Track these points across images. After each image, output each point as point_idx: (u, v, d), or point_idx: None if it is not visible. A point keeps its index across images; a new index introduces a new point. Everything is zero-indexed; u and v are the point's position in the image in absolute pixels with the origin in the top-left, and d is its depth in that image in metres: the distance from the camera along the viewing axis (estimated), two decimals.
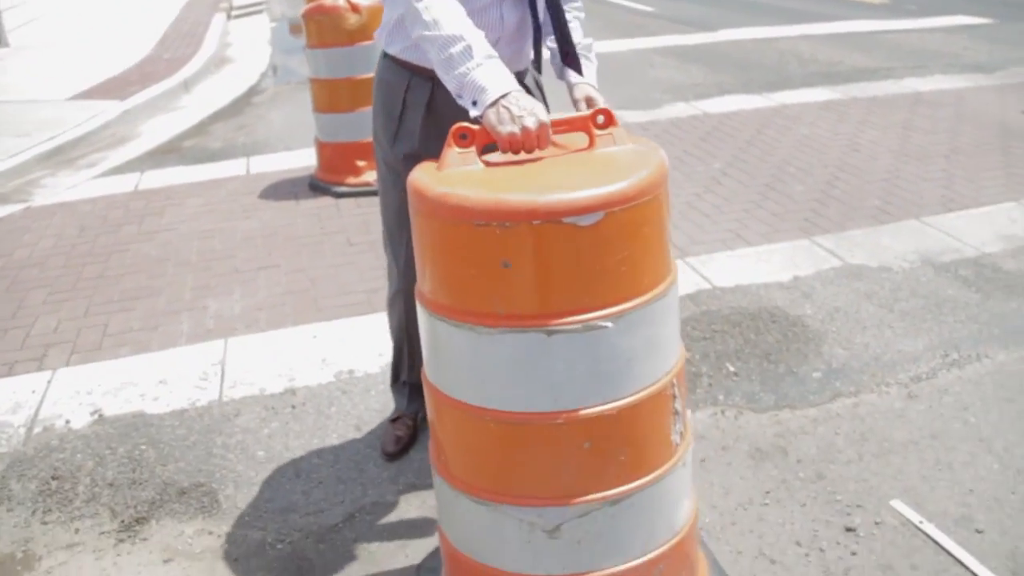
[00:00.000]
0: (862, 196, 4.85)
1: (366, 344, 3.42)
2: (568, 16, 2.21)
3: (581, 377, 1.64)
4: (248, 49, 10.52)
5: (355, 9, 4.83)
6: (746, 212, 4.64)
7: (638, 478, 1.74)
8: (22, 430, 3.03)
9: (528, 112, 1.69)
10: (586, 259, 1.57)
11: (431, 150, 1.97)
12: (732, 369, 3.21)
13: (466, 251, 1.60)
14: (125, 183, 5.60)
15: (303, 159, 5.73)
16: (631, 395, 1.68)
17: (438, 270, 1.68)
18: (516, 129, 1.68)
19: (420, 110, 2.20)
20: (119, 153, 6.39)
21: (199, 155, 6.16)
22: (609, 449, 1.70)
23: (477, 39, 1.80)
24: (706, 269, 3.98)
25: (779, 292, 3.75)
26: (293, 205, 4.99)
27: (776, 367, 3.21)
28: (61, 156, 6.35)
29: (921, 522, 2.44)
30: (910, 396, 3.03)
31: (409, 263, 2.26)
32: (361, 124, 4.90)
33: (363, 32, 4.85)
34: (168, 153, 6.30)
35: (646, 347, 1.68)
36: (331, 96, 5.01)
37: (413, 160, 2.05)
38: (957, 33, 10.14)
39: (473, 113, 1.76)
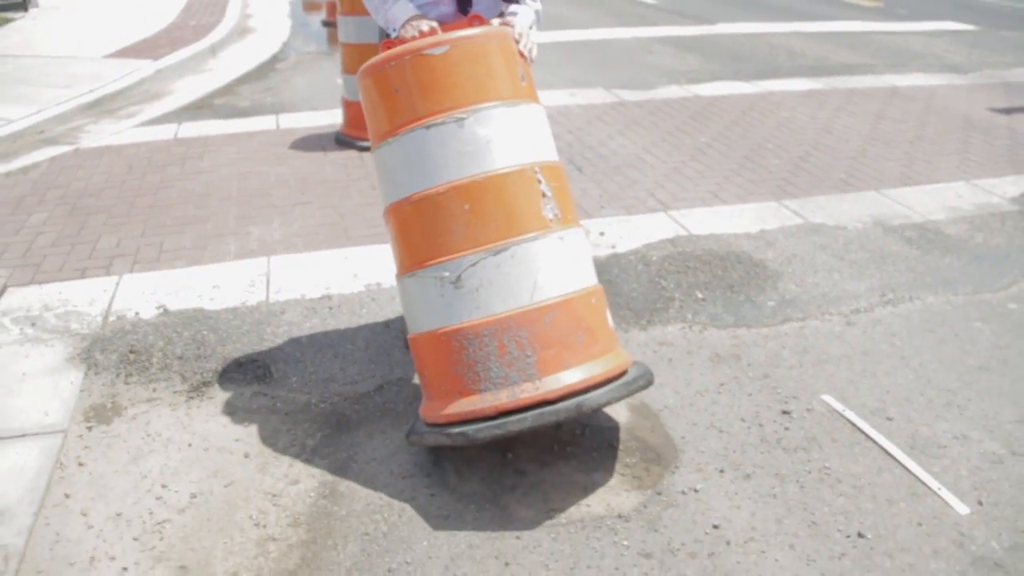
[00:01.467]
0: (830, 170, 5.44)
1: (391, 265, 3.97)
2: None
3: (454, 157, 2.43)
4: (268, 21, 11.04)
5: None
6: (725, 178, 5.22)
7: (512, 236, 2.44)
8: (99, 318, 3.58)
9: (419, 23, 2.64)
10: (445, 75, 2.42)
11: None
12: (700, 296, 3.79)
13: (376, 91, 2.51)
14: (165, 132, 6.13)
15: (328, 118, 6.29)
16: (495, 170, 2.43)
17: (369, 116, 2.60)
18: (415, 32, 2.62)
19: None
20: (155, 107, 6.91)
21: (230, 111, 6.70)
22: (485, 210, 2.44)
23: None
24: (685, 220, 4.56)
25: (746, 241, 4.33)
26: (321, 156, 5.54)
27: (737, 296, 3.80)
28: (102, 107, 6.87)
29: (844, 410, 3.02)
30: (848, 323, 3.61)
31: None
32: None
33: None
34: (201, 108, 6.83)
35: (503, 137, 2.45)
36: (360, 59, 5.46)
37: None
38: (941, 37, 10.73)
39: (392, 34, 2.74)
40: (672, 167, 5.39)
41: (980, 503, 2.58)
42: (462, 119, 2.43)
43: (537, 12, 2.89)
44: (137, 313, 3.61)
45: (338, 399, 3.05)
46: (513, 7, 2.85)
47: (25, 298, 3.75)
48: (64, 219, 4.60)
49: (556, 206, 2.51)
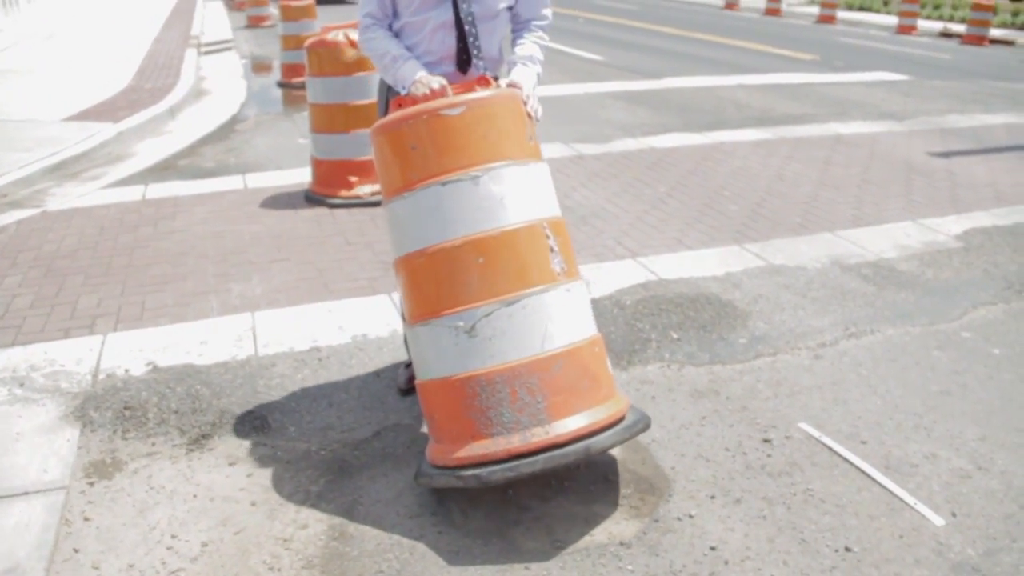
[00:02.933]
0: (786, 214, 5.70)
1: (375, 316, 4.09)
2: (522, 38, 3.09)
3: (470, 212, 2.56)
4: (223, 82, 11.14)
5: (352, 44, 5.54)
6: (687, 225, 5.45)
7: (524, 288, 2.57)
8: (88, 376, 3.62)
9: (430, 82, 2.76)
10: (460, 135, 2.56)
11: None
12: (675, 336, 3.95)
13: (391, 147, 2.62)
14: (132, 193, 6.18)
15: (295, 177, 6.39)
16: (508, 226, 2.57)
17: (382, 172, 2.71)
18: (427, 90, 2.73)
19: (385, 99, 3.15)
20: (119, 169, 6.94)
21: (196, 172, 6.77)
22: (499, 263, 2.57)
23: (398, 51, 2.90)
24: (654, 266, 4.74)
25: (714, 283, 4.53)
26: (292, 213, 5.65)
27: (710, 335, 3.97)
28: (65, 170, 6.88)
29: (821, 436, 3.19)
30: (816, 357, 3.80)
31: None
32: (355, 144, 5.62)
33: (359, 64, 5.57)
34: (166, 170, 6.90)
35: (515, 194, 2.59)
36: (328, 119, 5.70)
37: None
38: (877, 87, 11.25)
39: (402, 93, 2.84)
40: (635, 216, 5.60)
41: (954, 514, 2.75)
42: (477, 177, 2.57)
43: (538, 75, 3.02)
44: (127, 370, 3.66)
45: (337, 446, 3.13)
46: (517, 68, 2.99)
47: (10, 359, 3.77)
48: (40, 280, 4.62)
49: (562, 260, 2.66)
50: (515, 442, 2.52)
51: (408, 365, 3.48)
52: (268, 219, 5.54)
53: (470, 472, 2.54)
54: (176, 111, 9.05)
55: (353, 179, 5.76)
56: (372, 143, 2.78)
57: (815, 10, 23.15)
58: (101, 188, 6.39)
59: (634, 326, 4.03)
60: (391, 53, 2.90)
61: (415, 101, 2.71)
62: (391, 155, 2.69)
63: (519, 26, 3.12)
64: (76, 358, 3.78)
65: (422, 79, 2.80)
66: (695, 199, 5.99)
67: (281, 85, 10.86)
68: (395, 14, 2.99)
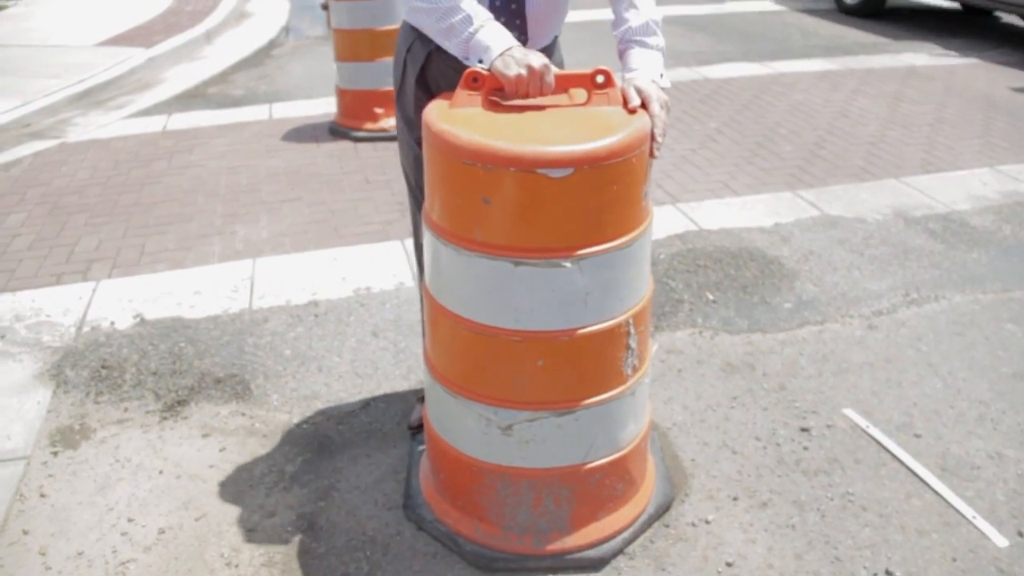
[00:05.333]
0: (847, 157, 5.17)
1: (382, 266, 3.76)
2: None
3: (540, 305, 1.91)
4: (267, 5, 10.76)
5: None
6: (736, 167, 4.97)
7: (586, 398, 2.05)
8: (72, 329, 3.38)
9: (530, 59, 1.91)
10: (555, 206, 1.82)
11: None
12: (711, 297, 3.55)
13: (456, 183, 1.88)
14: (154, 124, 5.91)
15: (323, 107, 6.05)
16: (584, 327, 1.96)
17: (436, 193, 1.96)
18: (523, 70, 1.89)
19: (413, 74, 2.26)
20: (146, 97, 6.68)
21: (223, 101, 6.47)
22: (560, 369, 1.99)
23: (472, 5, 1.97)
24: (695, 214, 4.31)
25: (760, 236, 4.09)
26: (314, 147, 5.31)
27: (751, 297, 3.56)
28: (91, 98, 6.64)
29: (868, 427, 2.79)
30: (870, 327, 3.37)
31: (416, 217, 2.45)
32: (380, 73, 5.23)
33: None
34: (193, 98, 6.61)
35: (603, 288, 1.93)
36: (353, 46, 5.32)
37: (407, 125, 2.33)
38: (959, 13, 10.37)
39: (481, 68, 1.95)
40: (680, 155, 5.14)
41: (1020, 533, 2.35)
42: (562, 264, 1.87)
43: (662, 50, 2.15)
44: (113, 323, 3.41)
45: (321, 419, 2.84)
46: (635, 57, 2.09)
47: None
48: (43, 220, 4.39)
49: (637, 356, 2.11)
50: (527, 543, 2.18)
51: (422, 399, 2.89)
52: (287, 153, 5.21)
53: (474, 550, 2.22)
54: (213, 35, 8.72)
55: (379, 111, 5.40)
56: (425, 143, 1.97)
57: None
58: (124, 118, 6.14)
59: (666, 284, 3.63)
60: (460, 9, 1.96)
61: (496, 83, 1.94)
62: (451, 188, 1.91)
63: None
64: (64, 308, 3.53)
65: (514, 53, 1.91)
66: (748, 137, 5.48)
67: (325, 7, 10.42)
68: None
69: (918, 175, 4.92)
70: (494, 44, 1.94)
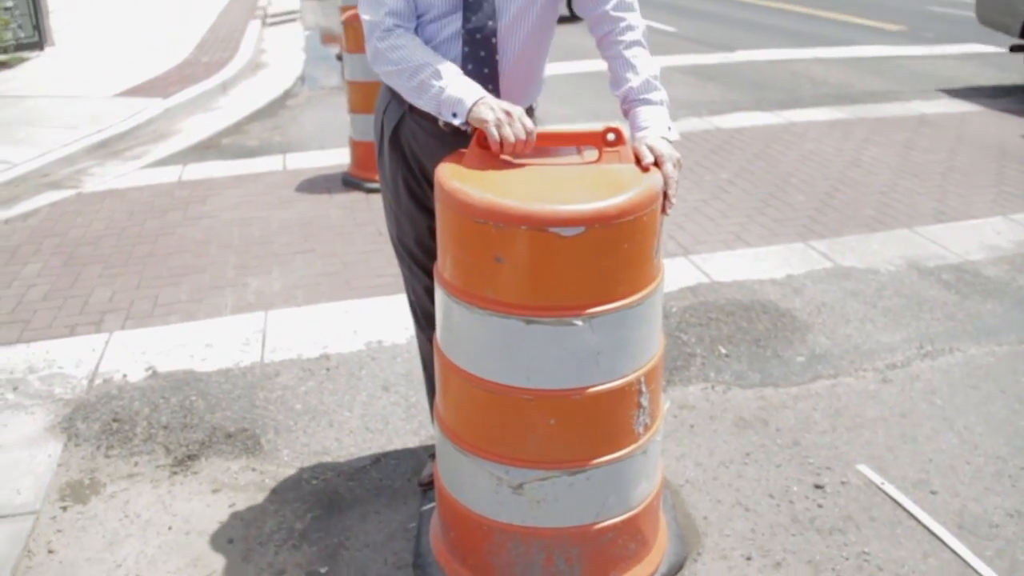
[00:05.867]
0: (858, 207, 5.17)
1: (394, 319, 3.76)
2: (616, 54, 2.16)
3: (552, 363, 1.90)
4: (282, 55, 10.93)
5: None
6: (748, 217, 4.98)
7: (597, 457, 2.02)
8: (84, 381, 3.38)
9: (503, 104, 1.94)
10: (566, 264, 1.81)
11: (397, 184, 2.27)
12: (724, 351, 3.53)
13: (468, 241, 1.88)
14: (169, 174, 5.97)
15: (336, 157, 6.11)
16: (596, 386, 1.94)
17: (448, 251, 1.97)
18: (500, 114, 1.91)
19: (388, 135, 2.28)
20: (162, 147, 6.76)
21: (237, 151, 6.54)
22: (573, 428, 1.98)
23: (441, 62, 2.00)
24: (707, 266, 4.31)
25: (772, 288, 4.08)
26: (327, 198, 5.35)
27: (764, 351, 3.54)
28: (108, 148, 6.73)
29: (883, 483, 2.75)
30: (884, 380, 3.35)
31: (413, 289, 2.48)
32: None
33: None
34: (208, 149, 6.69)
35: (614, 346, 1.92)
36: (365, 98, 5.38)
37: (384, 185, 2.36)
38: (969, 60, 10.45)
39: (457, 122, 1.97)
40: (692, 206, 5.15)
41: None
42: (574, 323, 1.87)
43: (666, 103, 2.15)
44: (125, 376, 3.41)
45: (331, 475, 2.82)
46: (643, 114, 2.08)
47: (10, 359, 3.57)
48: (59, 270, 4.43)
49: (648, 415, 2.09)
50: None
51: (433, 455, 2.79)
52: (301, 204, 5.26)
53: None
54: (229, 86, 8.85)
55: None
56: (436, 197, 1.97)
57: None
58: (140, 168, 6.21)
59: (678, 338, 3.62)
60: (429, 65, 1.99)
61: (479, 150, 1.97)
62: (463, 246, 1.91)
63: (598, 26, 2.18)
64: (76, 359, 3.55)
65: (488, 101, 1.93)
66: (760, 187, 5.50)
67: (340, 58, 10.58)
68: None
69: (930, 225, 4.92)
70: (466, 96, 1.95)
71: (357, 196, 5.36)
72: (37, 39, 10.93)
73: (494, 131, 1.91)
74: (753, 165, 5.95)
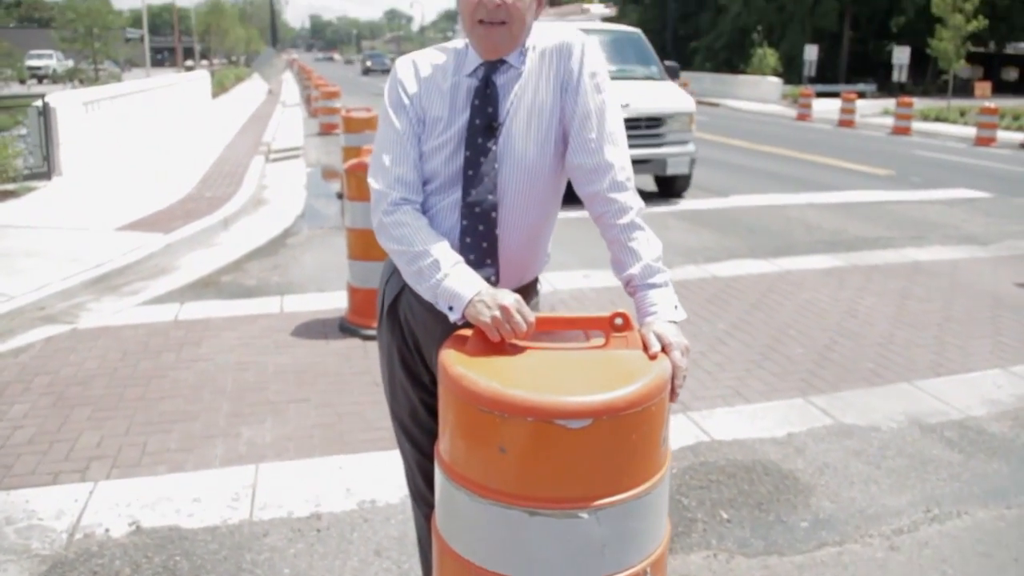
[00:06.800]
0: (857, 359, 5.16)
1: (388, 478, 3.66)
2: (614, 238, 2.12)
3: (556, 555, 1.81)
4: (284, 192, 11.15)
5: None
6: (746, 371, 4.95)
7: None
8: (64, 535, 3.26)
9: (499, 299, 1.88)
10: (572, 456, 1.75)
11: (392, 356, 2.24)
12: (725, 516, 3.44)
13: (472, 429, 1.82)
14: (166, 312, 5.97)
15: (334, 301, 6.11)
16: None
17: (450, 436, 1.90)
18: (496, 312, 1.86)
19: (388, 305, 2.26)
20: (160, 283, 6.79)
21: (235, 291, 6.56)
22: None
23: (443, 250, 1.99)
24: (706, 423, 4.25)
25: (773, 447, 4.01)
26: (323, 344, 5.32)
27: (767, 515, 3.44)
28: (106, 283, 6.76)
29: None
30: (892, 548, 3.24)
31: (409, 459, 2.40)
32: None
33: None
34: (206, 287, 6.71)
35: (620, 538, 1.84)
36: (364, 246, 5.43)
37: (380, 353, 2.32)
38: (956, 206, 10.69)
39: (453, 317, 1.94)
40: (691, 359, 5.07)
41: None
42: (579, 516, 1.80)
43: (670, 283, 2.10)
44: (107, 530, 3.30)
45: None
46: (650, 299, 2.04)
47: None
48: (47, 412, 4.35)
49: None
50: None
51: None
52: (297, 350, 5.22)
53: None
54: (230, 222, 8.98)
55: None
56: (440, 381, 1.90)
57: (890, 121, 22.66)
58: (137, 305, 6.22)
59: (679, 502, 3.53)
60: (429, 254, 1.98)
61: (482, 335, 1.92)
62: (467, 434, 1.86)
63: (593, 206, 2.14)
64: (58, 510, 3.43)
65: (483, 297, 1.90)
66: (758, 339, 5.50)
67: (341, 196, 10.78)
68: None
69: (930, 378, 4.89)
70: (464, 291, 1.93)
71: (354, 343, 5.33)
72: (46, 169, 11.18)
73: (493, 333, 1.89)
74: (751, 316, 5.97)
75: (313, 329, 5.58)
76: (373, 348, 5.21)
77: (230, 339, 5.40)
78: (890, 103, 26.36)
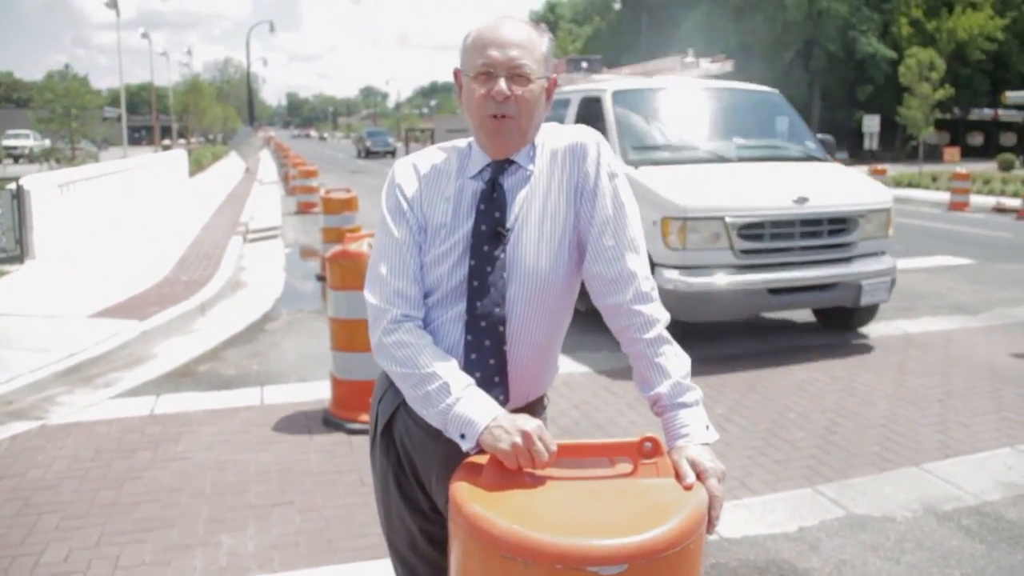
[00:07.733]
0: (861, 442, 4.98)
1: None
2: (639, 353, 1.95)
3: None
4: (263, 273, 10.96)
5: None
6: (749, 459, 4.75)
7: None
8: None
9: (520, 424, 1.72)
10: None
11: (387, 481, 2.05)
12: None
13: (492, 573, 1.61)
14: (141, 406, 5.71)
15: (316, 392, 5.87)
16: None
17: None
18: (517, 438, 1.69)
19: (381, 425, 2.09)
20: (136, 374, 6.54)
21: (214, 381, 6.32)
22: None
23: (451, 371, 1.82)
24: None
25: (786, 544, 3.80)
26: (307, 440, 5.08)
27: None
28: (79, 374, 6.49)
29: None
30: None
31: None
32: (376, 365, 5.09)
33: None
34: (183, 377, 6.47)
35: None
36: (348, 336, 5.22)
37: (373, 475, 2.13)
38: (940, 274, 10.67)
39: (466, 447, 1.77)
40: None
41: None
42: None
43: (701, 402, 1.95)
44: None
45: None
46: (680, 420, 1.88)
47: None
48: (10, 520, 4.07)
49: None
50: None
51: None
52: (279, 446, 4.98)
53: None
54: (207, 307, 8.76)
55: None
56: (453, 520, 1.72)
57: None
58: (111, 398, 5.97)
59: None
60: (438, 376, 1.81)
61: (498, 464, 1.74)
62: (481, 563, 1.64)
63: (615, 319, 1.98)
64: None
65: (502, 423, 1.73)
66: (757, 423, 5.31)
67: (320, 279, 10.60)
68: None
69: (938, 460, 4.72)
70: (478, 417, 1.75)
71: (338, 438, 5.09)
72: (19, 252, 10.95)
73: (512, 461, 1.70)
74: (747, 399, 5.79)
75: (296, 423, 5.34)
76: (359, 443, 4.99)
77: (209, 435, 5.15)
78: (863, 171, 26.71)
